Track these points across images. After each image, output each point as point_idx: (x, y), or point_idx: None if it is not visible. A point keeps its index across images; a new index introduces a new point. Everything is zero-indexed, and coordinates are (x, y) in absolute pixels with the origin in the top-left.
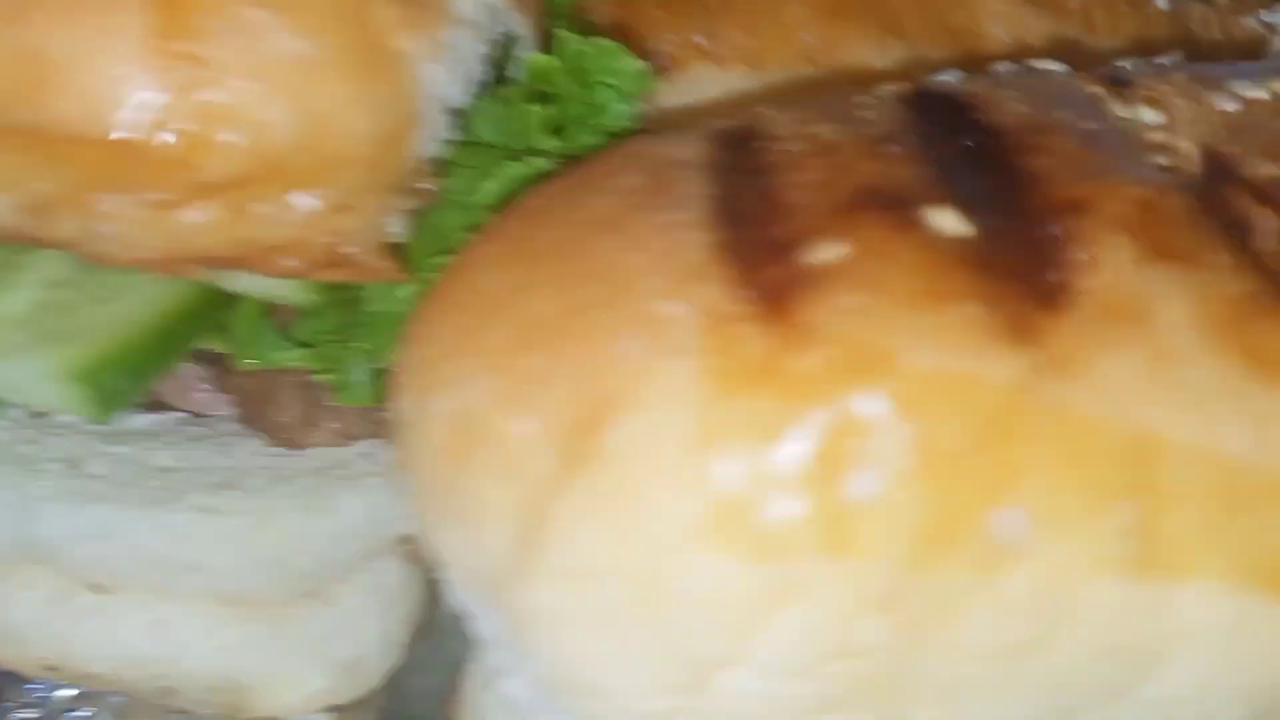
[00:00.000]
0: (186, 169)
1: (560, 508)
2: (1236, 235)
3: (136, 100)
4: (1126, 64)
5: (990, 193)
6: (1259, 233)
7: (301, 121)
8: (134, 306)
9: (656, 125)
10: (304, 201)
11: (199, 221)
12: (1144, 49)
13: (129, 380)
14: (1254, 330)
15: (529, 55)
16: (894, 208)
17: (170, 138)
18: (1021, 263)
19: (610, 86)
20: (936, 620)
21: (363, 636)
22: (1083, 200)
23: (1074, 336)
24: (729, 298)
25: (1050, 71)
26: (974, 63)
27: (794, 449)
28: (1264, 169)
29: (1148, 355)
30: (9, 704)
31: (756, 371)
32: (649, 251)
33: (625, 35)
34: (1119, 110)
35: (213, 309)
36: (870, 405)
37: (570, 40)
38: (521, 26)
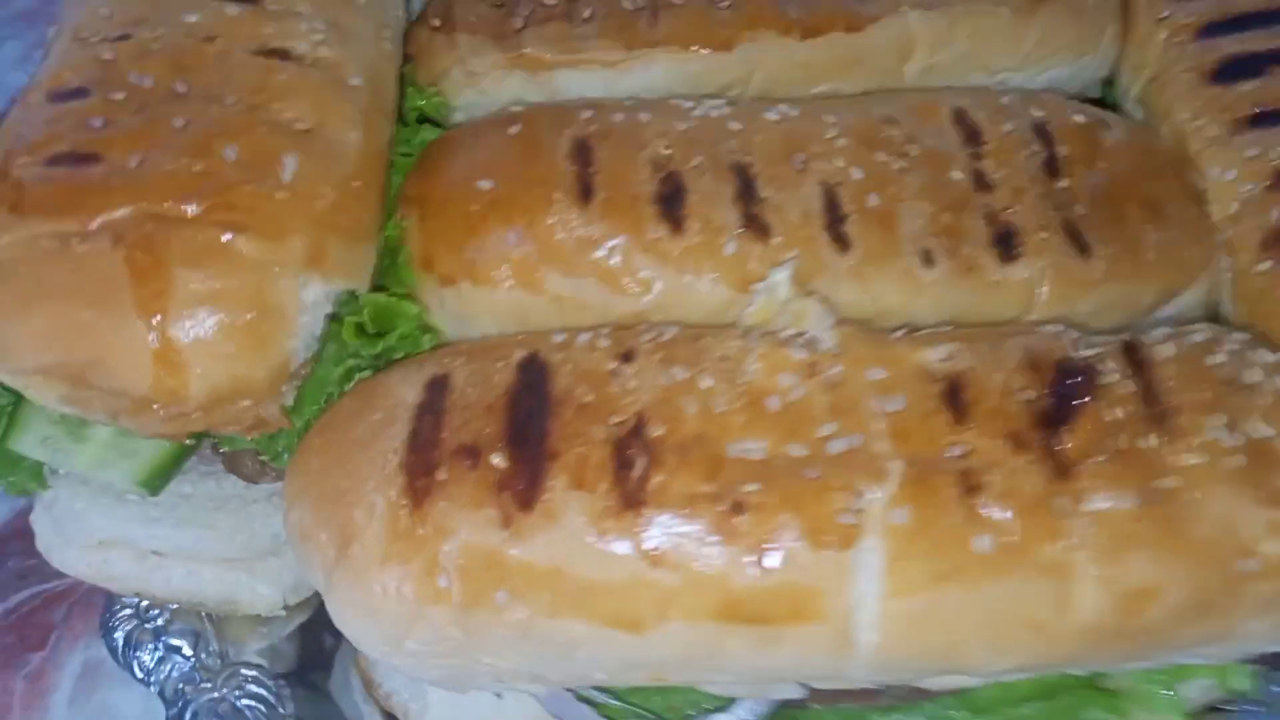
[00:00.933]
0: (176, 406)
1: (336, 575)
2: (625, 471)
3: (149, 382)
4: (644, 336)
5: (527, 440)
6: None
7: (233, 381)
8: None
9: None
10: (241, 404)
11: (187, 421)
12: None
13: (166, 476)
14: (606, 523)
15: (350, 313)
16: (472, 455)
17: (164, 396)
18: (523, 486)
19: (403, 318)
20: (484, 624)
21: (299, 570)
22: (557, 454)
23: (530, 524)
24: (400, 495)
25: (596, 349)
26: None
27: (416, 566)
28: (658, 432)
29: (559, 535)
30: (117, 606)
31: (404, 535)
32: (373, 464)
33: (428, 258)
34: (614, 384)
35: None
36: (445, 550)
37: (373, 300)
38: (355, 285)
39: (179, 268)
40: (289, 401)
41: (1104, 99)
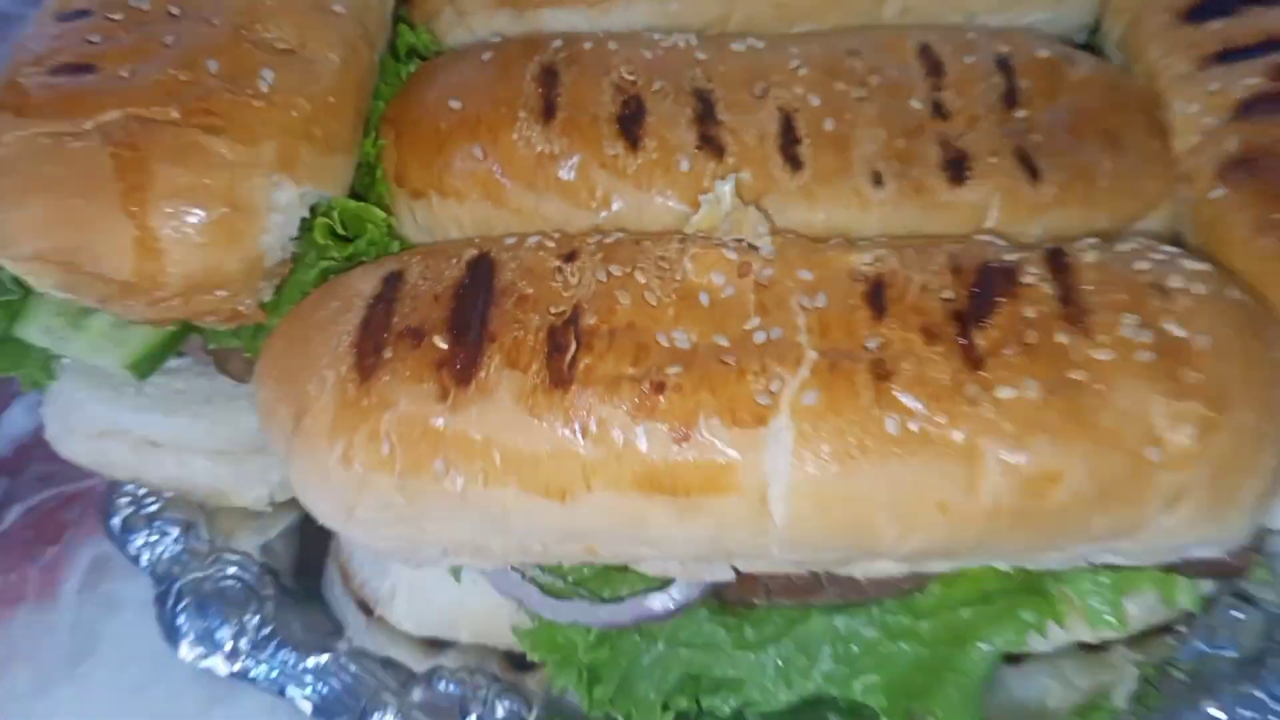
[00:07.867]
0: (157, 291)
1: (293, 446)
2: (557, 354)
3: (129, 267)
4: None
5: (468, 326)
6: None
7: (207, 270)
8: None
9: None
10: (217, 294)
11: (168, 307)
12: None
13: (154, 362)
14: (536, 399)
15: (324, 213)
16: (417, 336)
17: (144, 281)
18: (460, 364)
19: (372, 223)
20: (424, 491)
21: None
22: (495, 337)
23: (466, 398)
24: (349, 370)
25: (543, 250)
26: None
27: (360, 435)
28: (590, 321)
29: (492, 409)
30: (116, 493)
31: (350, 405)
32: (328, 345)
33: (401, 174)
34: (555, 279)
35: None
36: (387, 419)
37: (344, 204)
38: (329, 192)
39: (158, 163)
40: (267, 298)
41: (1089, 45)
